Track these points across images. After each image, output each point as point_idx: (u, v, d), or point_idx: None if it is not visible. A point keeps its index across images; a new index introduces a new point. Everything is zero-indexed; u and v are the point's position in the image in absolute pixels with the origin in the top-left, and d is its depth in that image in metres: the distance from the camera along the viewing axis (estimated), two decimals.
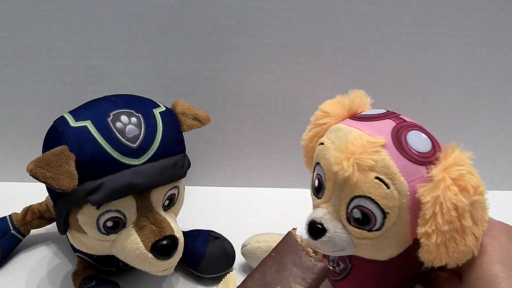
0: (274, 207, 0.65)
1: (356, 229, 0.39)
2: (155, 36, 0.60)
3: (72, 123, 0.40)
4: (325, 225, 0.39)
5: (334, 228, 0.39)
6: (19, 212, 0.54)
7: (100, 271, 0.49)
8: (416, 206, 0.36)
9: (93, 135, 0.39)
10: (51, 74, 0.62)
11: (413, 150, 0.37)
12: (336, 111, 0.43)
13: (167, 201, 0.44)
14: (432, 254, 0.36)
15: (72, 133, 0.39)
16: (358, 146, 0.37)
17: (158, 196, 0.42)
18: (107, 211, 0.40)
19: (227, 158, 0.68)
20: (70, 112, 0.42)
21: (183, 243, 0.43)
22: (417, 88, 0.63)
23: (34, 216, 0.54)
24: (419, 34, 0.60)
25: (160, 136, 0.42)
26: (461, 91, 0.64)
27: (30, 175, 0.37)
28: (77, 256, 0.49)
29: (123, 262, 0.46)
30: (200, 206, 0.64)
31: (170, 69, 0.62)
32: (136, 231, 0.41)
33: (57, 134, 0.40)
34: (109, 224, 0.41)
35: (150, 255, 0.40)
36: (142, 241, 0.41)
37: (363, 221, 0.38)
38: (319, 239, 0.39)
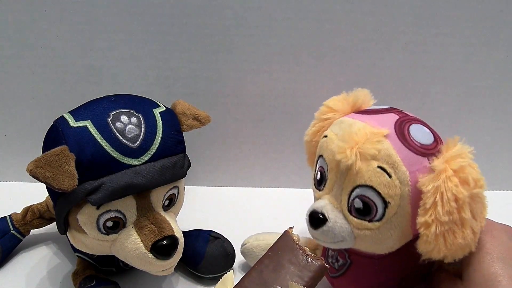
0: (274, 207, 0.65)
1: (356, 220, 0.39)
2: (155, 36, 0.60)
3: (72, 123, 0.40)
4: (326, 215, 0.39)
5: (335, 218, 0.39)
6: (19, 212, 0.55)
7: (100, 271, 0.49)
8: (417, 196, 0.37)
9: (93, 135, 0.39)
10: (51, 74, 0.62)
11: (415, 142, 0.38)
12: (340, 106, 0.44)
13: (167, 201, 0.44)
14: (430, 245, 0.36)
15: (72, 133, 0.39)
16: (361, 136, 0.38)
17: (158, 196, 0.42)
18: (107, 211, 0.40)
19: (227, 158, 0.68)
20: (70, 112, 0.42)
21: (183, 243, 0.43)
22: (417, 88, 0.63)
23: (34, 216, 0.54)
24: (419, 34, 0.60)
25: (160, 136, 0.42)
26: (461, 91, 0.64)
27: (30, 175, 0.37)
28: (77, 256, 0.49)
29: (123, 262, 0.46)
30: (200, 206, 0.64)
31: (170, 69, 0.62)
32: (136, 231, 0.41)
33: (57, 134, 0.40)
34: (109, 224, 0.41)
35: (150, 255, 0.41)
36: (142, 241, 0.41)
37: (364, 211, 0.38)
38: (320, 229, 0.40)
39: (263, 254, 0.41)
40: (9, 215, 0.54)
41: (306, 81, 0.62)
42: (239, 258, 0.52)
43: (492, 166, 0.68)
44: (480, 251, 0.37)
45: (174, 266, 0.44)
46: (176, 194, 0.45)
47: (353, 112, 0.43)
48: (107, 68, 0.61)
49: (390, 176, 0.37)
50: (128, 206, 0.41)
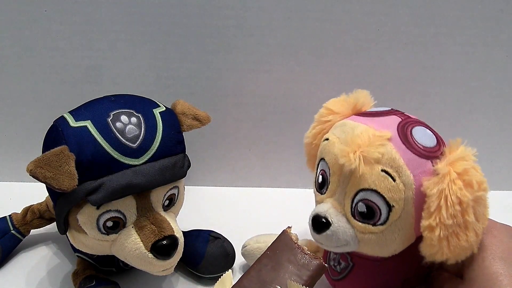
0: (274, 207, 0.65)
1: (360, 224, 0.39)
2: (155, 36, 0.60)
3: (72, 123, 0.40)
4: (329, 219, 0.39)
5: (338, 222, 0.39)
6: (19, 212, 0.54)
7: (100, 271, 0.49)
8: (420, 199, 0.37)
9: (93, 135, 0.39)
10: (51, 74, 0.62)
11: (418, 144, 0.38)
12: (341, 108, 0.43)
13: (167, 201, 0.44)
14: (434, 248, 0.36)
15: (72, 133, 0.39)
16: (364, 140, 0.37)
17: (158, 196, 0.42)
18: (107, 211, 0.40)
19: (227, 158, 0.68)
20: (70, 112, 0.42)
21: (183, 243, 0.43)
22: (417, 88, 0.63)
23: (34, 216, 0.54)
24: (419, 34, 0.60)
25: (160, 136, 0.42)
26: (461, 91, 0.64)
27: (30, 175, 0.37)
28: (77, 256, 0.49)
29: (123, 262, 0.46)
30: (200, 206, 0.64)
31: (170, 69, 0.62)
32: (136, 231, 0.41)
33: (57, 134, 0.40)
34: (109, 224, 0.41)
35: (150, 255, 0.40)
36: (142, 241, 0.41)
37: (368, 215, 0.38)
38: (323, 233, 0.39)
39: None
40: (9, 215, 0.54)
41: (306, 81, 0.62)
42: (239, 258, 0.52)
43: (492, 166, 0.68)
44: (481, 251, 0.37)
45: (174, 266, 0.43)
46: (176, 194, 0.45)
47: (354, 114, 0.43)
48: (107, 68, 0.61)
49: (394, 180, 0.36)
50: (128, 206, 0.41)
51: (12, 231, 0.53)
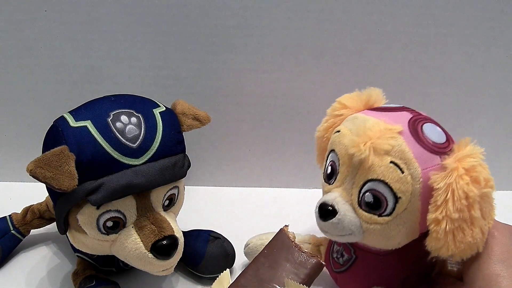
0: (274, 207, 0.65)
1: (366, 214, 0.39)
2: (155, 36, 0.60)
3: (72, 123, 0.40)
4: (336, 207, 0.40)
5: (345, 210, 0.40)
6: (19, 212, 0.55)
7: (100, 271, 0.49)
8: (427, 193, 0.37)
9: (93, 135, 0.39)
10: (51, 74, 0.62)
11: (428, 140, 0.38)
12: (353, 103, 0.44)
13: (167, 201, 0.44)
14: (440, 242, 0.37)
15: (72, 133, 0.39)
16: (375, 132, 0.38)
17: (158, 196, 0.42)
18: (107, 211, 0.40)
19: (227, 158, 0.68)
20: (70, 112, 0.42)
21: (183, 243, 0.43)
22: (417, 88, 0.63)
23: (34, 216, 0.54)
24: (419, 34, 0.60)
25: (160, 136, 0.42)
26: (461, 91, 0.64)
27: (30, 175, 0.37)
28: (77, 256, 0.49)
29: (123, 262, 0.46)
30: (200, 206, 0.64)
31: (170, 69, 0.62)
32: (136, 231, 0.41)
33: (57, 134, 0.40)
34: (109, 224, 0.41)
35: (150, 255, 0.41)
36: (142, 241, 0.41)
37: (375, 205, 0.39)
38: (329, 221, 0.40)
39: None
40: (9, 215, 0.54)
41: (306, 81, 0.62)
42: (239, 258, 0.52)
43: (492, 166, 0.68)
44: (481, 252, 0.38)
45: (174, 266, 0.44)
46: (176, 194, 0.45)
47: (366, 109, 0.43)
48: (107, 68, 0.61)
49: (402, 172, 0.37)
50: (128, 206, 0.41)
51: (12, 231, 0.53)
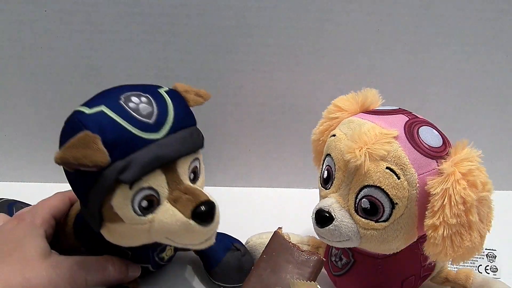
0: (274, 207, 0.65)
1: (363, 219, 0.39)
2: (155, 36, 0.60)
3: (87, 111, 0.40)
4: (332, 214, 0.39)
5: (342, 217, 0.39)
6: None
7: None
8: (424, 198, 0.37)
9: (111, 117, 0.39)
10: (51, 74, 0.62)
11: (424, 144, 0.38)
12: (349, 106, 0.44)
13: (192, 174, 0.44)
14: (438, 248, 0.36)
15: (90, 119, 0.40)
16: (371, 137, 0.38)
17: (184, 168, 0.43)
18: (140, 190, 0.40)
19: (227, 158, 0.68)
20: (81, 105, 0.42)
21: (219, 207, 0.43)
22: (417, 88, 0.63)
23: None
24: (419, 34, 0.60)
25: (172, 110, 0.42)
26: (461, 91, 0.64)
27: (59, 162, 0.37)
28: None
29: (158, 256, 0.47)
30: None
31: (170, 69, 0.62)
32: (172, 204, 0.41)
33: (75, 125, 0.40)
34: (144, 203, 0.40)
35: (193, 222, 0.40)
36: (181, 211, 0.40)
37: (371, 211, 0.38)
38: (326, 227, 0.40)
39: None
40: None
41: (306, 81, 0.62)
42: None
43: (492, 166, 0.68)
44: None
45: (215, 235, 0.43)
46: (198, 167, 0.45)
47: (362, 112, 0.43)
48: (107, 68, 0.61)
49: (398, 178, 0.37)
50: (159, 181, 0.41)
51: None
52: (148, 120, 0.40)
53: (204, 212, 0.40)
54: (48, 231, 0.45)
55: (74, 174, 0.40)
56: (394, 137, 0.38)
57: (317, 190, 0.45)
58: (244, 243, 0.53)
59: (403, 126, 0.39)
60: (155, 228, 0.42)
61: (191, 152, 0.43)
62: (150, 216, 0.41)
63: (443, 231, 0.35)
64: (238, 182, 0.69)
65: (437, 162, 0.38)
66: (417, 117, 0.41)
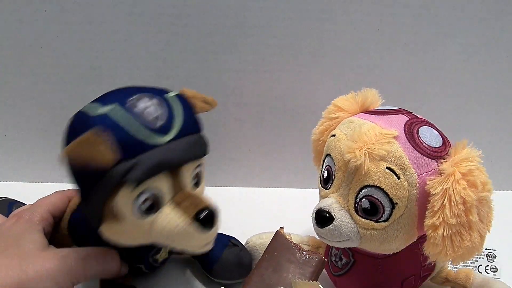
0: (274, 207, 0.65)
1: (363, 220, 0.39)
2: (155, 36, 0.60)
3: (93, 112, 0.40)
4: (332, 214, 0.39)
5: (342, 217, 0.39)
6: None
7: (130, 272, 0.48)
8: (424, 198, 0.37)
9: (118, 118, 0.39)
10: (51, 74, 0.62)
11: (424, 144, 0.38)
12: (349, 106, 0.44)
13: (195, 180, 0.44)
14: (438, 248, 0.36)
15: (97, 120, 0.40)
16: (370, 137, 0.38)
17: (188, 173, 0.43)
18: (143, 192, 0.40)
19: (227, 158, 0.68)
20: (91, 102, 0.42)
21: (219, 213, 0.43)
22: (417, 88, 0.63)
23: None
24: (419, 34, 0.60)
25: (179, 115, 0.42)
26: (461, 91, 0.64)
27: (66, 158, 0.37)
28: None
29: (152, 257, 0.47)
30: None
31: (170, 69, 0.62)
32: (173, 208, 0.41)
33: (84, 122, 0.40)
34: (146, 205, 0.40)
35: (194, 226, 0.40)
36: (182, 215, 0.41)
37: (371, 211, 0.38)
38: (326, 227, 0.40)
39: None
40: None
41: (306, 81, 0.62)
42: None
43: (492, 166, 0.68)
44: None
45: (213, 240, 0.43)
46: (201, 173, 0.45)
47: (362, 112, 0.43)
48: (107, 68, 0.61)
49: (398, 178, 0.37)
50: (162, 185, 0.41)
51: None
52: (156, 123, 0.40)
53: (206, 218, 0.41)
54: (46, 229, 0.45)
55: (78, 171, 0.40)
56: (394, 137, 0.38)
57: (317, 190, 0.45)
58: (244, 244, 0.53)
59: (403, 126, 0.39)
60: (155, 230, 0.42)
61: (196, 158, 0.43)
62: (151, 218, 0.41)
63: (443, 231, 0.35)
64: (238, 182, 0.69)
65: (437, 162, 0.38)
66: (417, 117, 0.41)
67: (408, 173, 0.37)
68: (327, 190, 0.42)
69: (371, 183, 0.38)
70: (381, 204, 0.38)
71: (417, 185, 0.37)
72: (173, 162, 0.41)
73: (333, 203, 0.40)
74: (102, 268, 0.44)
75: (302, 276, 0.38)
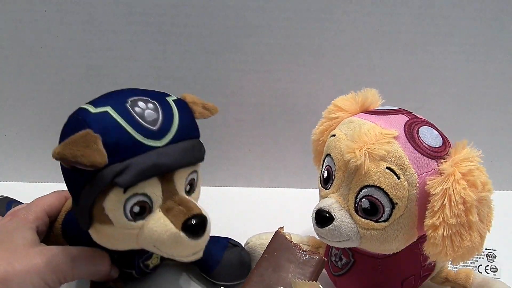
0: (274, 207, 0.65)
1: (363, 220, 0.39)
2: (155, 36, 0.60)
3: (92, 110, 0.40)
4: (332, 214, 0.39)
5: (342, 217, 0.39)
6: None
7: (120, 276, 0.48)
8: (424, 198, 0.37)
9: (115, 119, 0.39)
10: (51, 74, 0.62)
11: (424, 144, 0.38)
12: (349, 106, 0.44)
13: (189, 186, 0.44)
14: (438, 248, 0.36)
15: (94, 119, 0.40)
16: (370, 137, 0.38)
17: (181, 179, 0.42)
18: (134, 195, 0.40)
19: (227, 158, 0.68)
20: (88, 103, 0.42)
21: (210, 223, 0.43)
22: (417, 88, 0.63)
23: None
24: (419, 34, 0.60)
25: (177, 120, 0.42)
26: (461, 91, 0.64)
27: (57, 157, 0.37)
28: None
29: (143, 263, 0.47)
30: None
31: (170, 69, 0.62)
32: (164, 214, 0.41)
33: (78, 122, 0.40)
34: (136, 209, 0.40)
35: (182, 234, 0.40)
36: (172, 221, 0.40)
37: (371, 211, 0.38)
38: (326, 227, 0.40)
39: None
40: None
41: (306, 81, 0.62)
42: None
43: (492, 166, 0.68)
44: None
45: (202, 250, 0.43)
46: (196, 180, 0.45)
47: (362, 112, 0.43)
48: (107, 68, 0.61)
49: (398, 178, 0.37)
50: (154, 189, 0.41)
51: None
52: (151, 127, 0.40)
53: (195, 225, 0.40)
54: (41, 228, 0.45)
55: (70, 170, 0.39)
56: (394, 137, 0.38)
57: (317, 190, 0.45)
58: (244, 244, 0.53)
59: (403, 126, 0.39)
60: (143, 235, 0.42)
61: (190, 164, 0.43)
62: (140, 222, 0.41)
63: (443, 231, 0.35)
64: (238, 182, 0.69)
65: (437, 162, 0.38)
66: (417, 117, 0.41)
67: (408, 173, 0.37)
68: (327, 190, 0.42)
69: (371, 183, 0.38)
70: (381, 204, 0.38)
71: (417, 185, 0.37)
72: (166, 166, 0.40)
73: (333, 203, 0.40)
74: (91, 269, 0.44)
75: (302, 276, 0.38)
